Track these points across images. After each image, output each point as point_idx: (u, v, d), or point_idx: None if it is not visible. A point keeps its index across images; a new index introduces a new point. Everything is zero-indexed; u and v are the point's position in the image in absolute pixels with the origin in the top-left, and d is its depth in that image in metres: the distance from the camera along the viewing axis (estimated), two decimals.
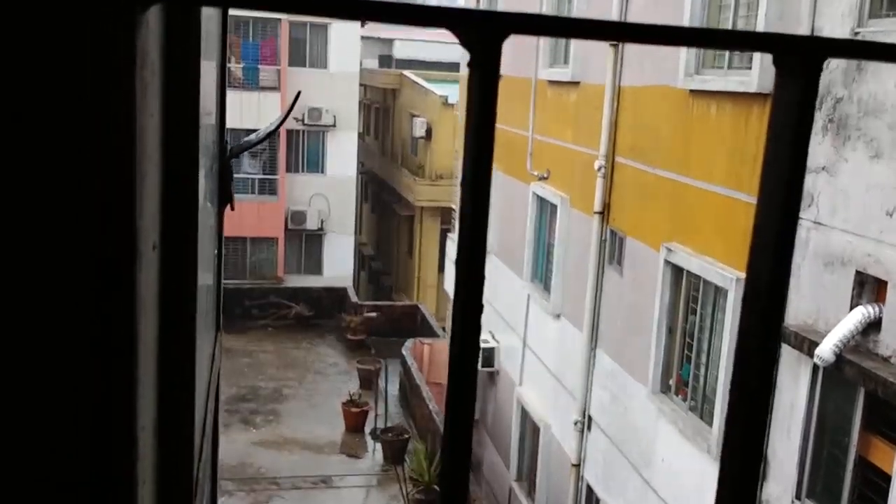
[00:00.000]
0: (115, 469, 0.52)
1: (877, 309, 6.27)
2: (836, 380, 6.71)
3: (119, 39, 0.48)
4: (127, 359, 0.52)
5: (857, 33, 6.50)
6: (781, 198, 0.52)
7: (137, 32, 0.49)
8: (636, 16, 10.08)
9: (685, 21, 8.75)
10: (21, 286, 0.47)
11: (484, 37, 0.50)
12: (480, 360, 14.85)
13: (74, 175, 0.49)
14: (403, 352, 19.69)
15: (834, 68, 6.73)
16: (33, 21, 0.47)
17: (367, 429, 17.93)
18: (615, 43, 10.35)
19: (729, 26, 8.33)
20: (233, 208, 1.67)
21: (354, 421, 17.92)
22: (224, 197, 1.61)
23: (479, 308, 0.49)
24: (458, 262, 0.51)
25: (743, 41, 0.63)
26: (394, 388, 19.48)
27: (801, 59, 0.51)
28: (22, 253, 0.46)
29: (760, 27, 7.54)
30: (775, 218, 0.52)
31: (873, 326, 6.30)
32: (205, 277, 1.37)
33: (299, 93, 3.95)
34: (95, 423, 0.52)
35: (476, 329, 0.50)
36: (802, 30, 7.01)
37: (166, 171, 0.70)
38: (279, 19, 25.54)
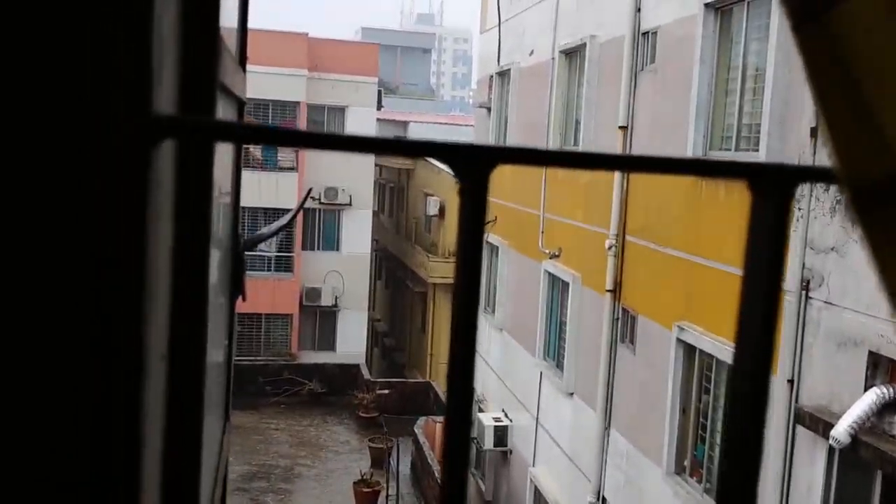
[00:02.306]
0: (116, 468, 0.54)
1: (891, 390, 6.23)
2: (852, 462, 6.61)
3: (132, 173, 0.52)
4: (129, 358, 0.54)
5: None
6: (760, 312, 0.57)
7: (149, 165, 0.54)
8: (644, 102, 10.30)
9: (692, 105, 8.94)
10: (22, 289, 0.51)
11: (473, 167, 0.57)
12: (493, 439, 14.68)
13: (82, 299, 0.53)
14: (416, 430, 19.47)
15: None
16: (50, 149, 0.52)
17: None
18: (624, 126, 10.57)
19: (735, 110, 8.50)
20: (244, 299, 1.73)
21: (365, 501, 17.63)
22: (236, 289, 1.68)
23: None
24: (449, 379, 0.58)
25: (718, 169, 0.68)
26: (405, 468, 19.21)
27: (774, 185, 0.57)
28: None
29: (766, 111, 7.70)
30: (755, 331, 0.58)
31: (889, 407, 6.24)
32: (214, 372, 1.41)
33: (310, 190, 4.08)
34: (96, 422, 0.53)
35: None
36: (808, 114, 7.15)
37: (177, 282, 0.76)
38: (298, 102, 26.14)
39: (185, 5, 0.73)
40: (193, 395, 0.82)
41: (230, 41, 1.36)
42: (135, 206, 0.51)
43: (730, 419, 0.60)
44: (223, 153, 1.44)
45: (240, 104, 1.52)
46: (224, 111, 1.23)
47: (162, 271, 0.65)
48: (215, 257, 1.33)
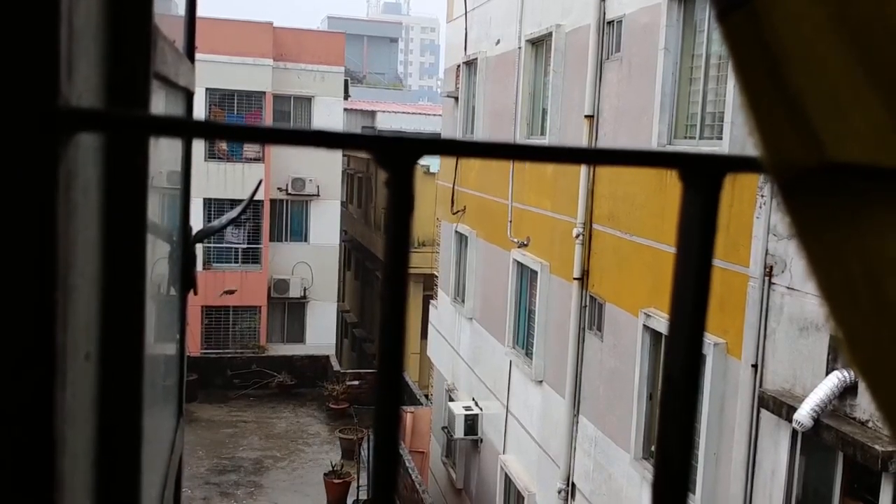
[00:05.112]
0: (26, 475, 0.51)
1: (852, 373, 6.33)
2: (815, 445, 6.72)
3: (36, 165, 0.50)
4: (39, 358, 0.50)
5: None
6: (690, 303, 0.57)
7: (60, 158, 0.51)
8: (610, 91, 10.34)
9: (657, 94, 8.99)
10: None
11: (397, 158, 0.57)
12: (464, 428, 14.72)
13: None
14: None
15: None
16: None
17: (350, 500, 17.62)
18: (590, 115, 10.60)
19: (699, 99, 8.57)
20: (195, 293, 1.71)
21: (337, 492, 17.62)
22: (187, 282, 1.65)
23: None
24: (379, 363, 0.57)
25: (650, 159, 0.68)
26: None
27: (703, 174, 0.57)
28: None
29: (729, 100, 7.76)
30: (686, 321, 0.58)
31: (850, 390, 6.35)
32: (163, 367, 1.39)
33: (260, 181, 4.06)
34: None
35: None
36: None
37: (107, 277, 0.73)
38: (263, 92, 25.92)
39: None
40: (130, 394, 0.80)
41: (175, 31, 1.33)
42: (41, 198, 0.49)
43: (663, 397, 0.60)
44: (171, 144, 1.42)
45: (187, 95, 1.49)
46: (166, 103, 1.21)
47: (84, 268, 0.63)
48: (162, 251, 1.30)
